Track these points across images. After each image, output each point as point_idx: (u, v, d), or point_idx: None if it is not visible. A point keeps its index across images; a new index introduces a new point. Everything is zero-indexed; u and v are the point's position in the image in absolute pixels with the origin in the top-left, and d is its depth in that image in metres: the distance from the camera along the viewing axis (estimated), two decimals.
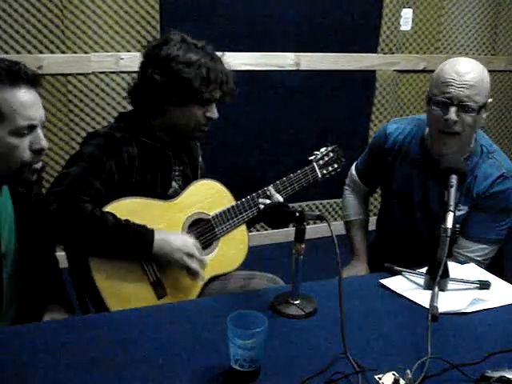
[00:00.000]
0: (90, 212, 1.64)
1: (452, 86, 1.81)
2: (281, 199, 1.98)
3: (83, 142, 1.83)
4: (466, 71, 1.82)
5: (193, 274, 1.77)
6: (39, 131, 1.54)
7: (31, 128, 1.51)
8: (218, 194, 1.98)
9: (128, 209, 1.73)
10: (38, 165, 1.58)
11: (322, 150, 2.16)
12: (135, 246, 1.69)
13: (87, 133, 3.27)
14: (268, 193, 1.98)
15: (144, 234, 1.69)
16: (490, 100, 1.90)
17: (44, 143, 1.54)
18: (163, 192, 1.86)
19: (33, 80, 1.52)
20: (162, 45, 1.81)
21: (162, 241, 1.71)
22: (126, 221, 1.69)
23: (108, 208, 1.70)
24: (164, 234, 1.73)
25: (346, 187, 2.41)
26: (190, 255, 1.75)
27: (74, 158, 1.77)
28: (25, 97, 1.48)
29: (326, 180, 2.17)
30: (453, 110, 1.82)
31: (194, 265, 1.75)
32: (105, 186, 1.71)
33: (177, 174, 1.94)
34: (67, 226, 1.62)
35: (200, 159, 2.11)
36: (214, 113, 1.87)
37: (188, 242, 1.76)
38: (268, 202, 1.96)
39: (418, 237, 2.11)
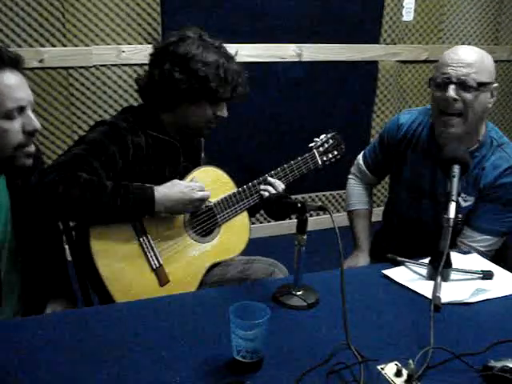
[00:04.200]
0: (88, 178, 1.66)
1: (450, 65, 1.85)
2: (283, 186, 2.00)
3: (89, 130, 1.85)
4: (465, 52, 1.87)
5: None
6: (29, 112, 1.53)
7: (21, 110, 1.50)
8: (219, 181, 1.99)
9: None
10: (32, 148, 1.57)
11: (322, 136, 2.16)
12: (137, 205, 1.70)
13: (89, 125, 3.31)
14: (268, 181, 1.98)
15: (144, 193, 1.72)
16: (496, 85, 1.91)
17: (36, 124, 1.54)
18: None
19: (16, 62, 1.51)
20: (180, 41, 1.83)
21: (163, 196, 1.74)
22: (125, 182, 1.71)
23: None
24: (163, 189, 1.75)
25: (350, 176, 2.41)
26: (193, 201, 1.80)
27: (77, 141, 1.80)
28: (10, 79, 1.48)
29: (329, 171, 2.16)
30: (452, 87, 1.85)
31: (197, 204, 1.83)
32: (103, 169, 1.72)
33: (181, 167, 1.95)
34: (67, 191, 1.61)
35: (202, 154, 2.13)
36: (224, 112, 1.93)
37: (185, 190, 1.79)
38: (270, 188, 1.96)
39: (424, 227, 2.11)
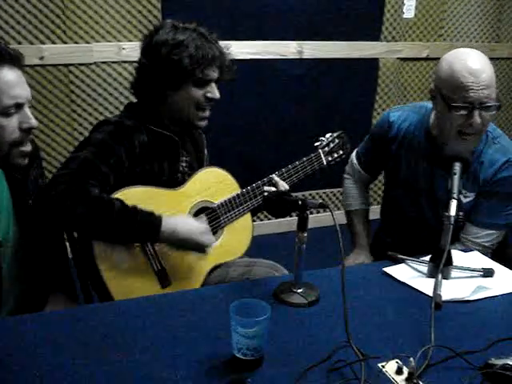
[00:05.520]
0: (98, 195, 1.65)
1: (471, 89, 1.77)
2: (286, 186, 1.97)
3: (93, 129, 1.83)
4: (480, 69, 1.78)
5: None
6: (27, 110, 1.53)
7: (18, 107, 1.50)
8: (223, 182, 1.98)
9: (134, 197, 1.72)
10: (28, 147, 1.56)
11: (328, 136, 2.14)
12: (142, 233, 1.69)
13: (90, 122, 3.32)
14: (273, 181, 1.96)
15: (151, 222, 1.69)
16: None
17: (33, 121, 1.53)
18: (169, 181, 1.86)
19: (16, 59, 1.50)
20: (154, 33, 1.82)
21: (170, 230, 1.71)
22: (134, 207, 1.69)
23: (114, 196, 1.71)
24: (171, 222, 1.72)
25: (345, 175, 2.40)
26: (199, 244, 1.78)
27: (83, 143, 1.78)
28: (8, 76, 1.47)
29: (330, 168, 2.16)
30: (476, 113, 1.79)
31: (201, 248, 1.80)
32: (113, 172, 1.72)
33: (184, 164, 1.94)
34: (74, 207, 1.61)
35: (206, 151, 2.11)
36: (214, 93, 1.85)
37: (193, 229, 1.76)
38: (273, 189, 1.94)
39: (423, 225, 2.11)
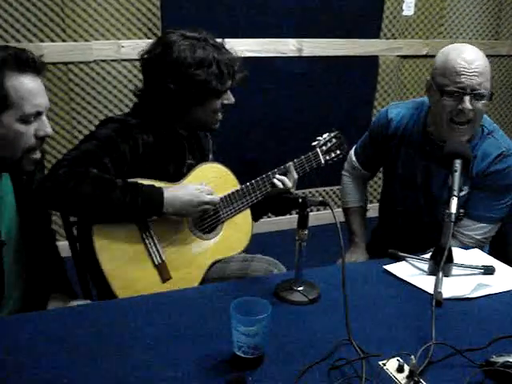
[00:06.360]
0: (98, 174, 1.65)
1: (464, 74, 1.80)
2: (296, 176, 2.00)
3: (98, 126, 1.84)
4: (474, 58, 1.81)
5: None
6: (44, 118, 1.55)
7: (38, 115, 1.52)
8: (222, 178, 1.98)
9: None
10: (38, 155, 1.59)
11: (325, 135, 2.14)
12: (145, 205, 1.69)
13: (89, 121, 3.32)
14: (278, 176, 1.98)
15: (153, 193, 1.71)
16: None
17: (49, 130, 1.56)
18: (172, 183, 1.86)
19: (39, 67, 1.54)
20: (166, 50, 1.78)
21: (172, 197, 1.73)
22: (135, 181, 1.71)
23: None
24: (172, 191, 1.75)
25: (344, 173, 2.40)
26: (201, 204, 1.79)
27: (87, 137, 1.79)
28: (31, 84, 1.50)
29: (329, 167, 2.16)
30: (467, 98, 1.81)
31: (205, 207, 1.82)
32: (114, 167, 1.72)
33: (186, 166, 1.94)
34: (78, 186, 1.61)
35: (211, 155, 2.12)
36: (230, 99, 1.91)
37: (195, 193, 1.79)
38: (285, 178, 1.97)
39: (420, 221, 2.12)
